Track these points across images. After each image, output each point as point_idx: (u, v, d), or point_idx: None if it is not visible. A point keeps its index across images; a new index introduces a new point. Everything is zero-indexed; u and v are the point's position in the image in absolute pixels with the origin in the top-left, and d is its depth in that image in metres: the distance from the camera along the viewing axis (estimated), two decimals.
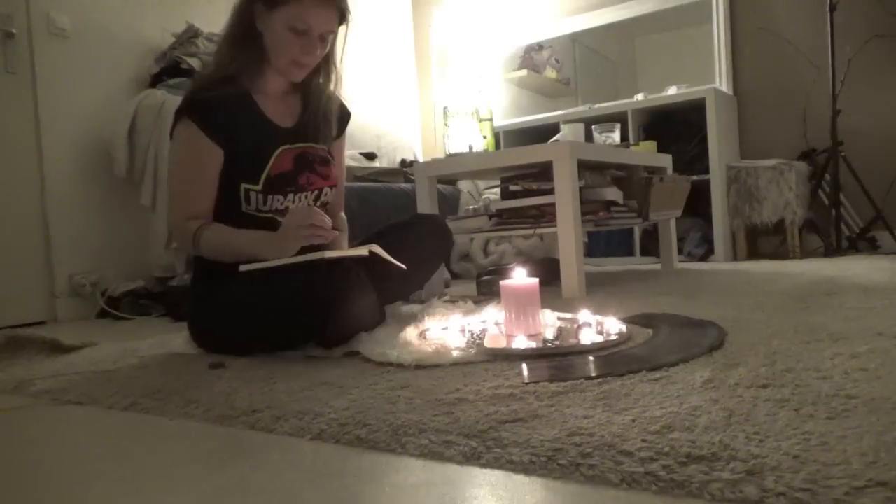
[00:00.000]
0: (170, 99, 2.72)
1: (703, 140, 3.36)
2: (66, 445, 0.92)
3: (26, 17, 2.61)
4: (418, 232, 1.68)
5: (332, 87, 1.61)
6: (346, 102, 1.70)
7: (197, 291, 1.53)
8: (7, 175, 2.53)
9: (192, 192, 1.46)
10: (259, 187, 1.47)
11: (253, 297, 1.38)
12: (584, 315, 1.38)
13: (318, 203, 1.57)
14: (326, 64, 1.58)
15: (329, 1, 1.45)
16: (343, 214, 1.71)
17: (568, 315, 1.45)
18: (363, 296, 1.34)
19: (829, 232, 3.18)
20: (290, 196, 1.50)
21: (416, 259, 1.59)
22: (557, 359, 1.13)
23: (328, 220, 1.38)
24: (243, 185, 1.46)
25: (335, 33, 1.53)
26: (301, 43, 1.46)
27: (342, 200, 1.73)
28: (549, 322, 1.39)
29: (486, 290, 2.36)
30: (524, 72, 4.37)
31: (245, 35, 1.48)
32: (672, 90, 3.57)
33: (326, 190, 1.58)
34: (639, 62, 4.12)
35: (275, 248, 1.37)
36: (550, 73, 4.39)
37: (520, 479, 0.66)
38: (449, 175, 2.74)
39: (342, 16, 1.50)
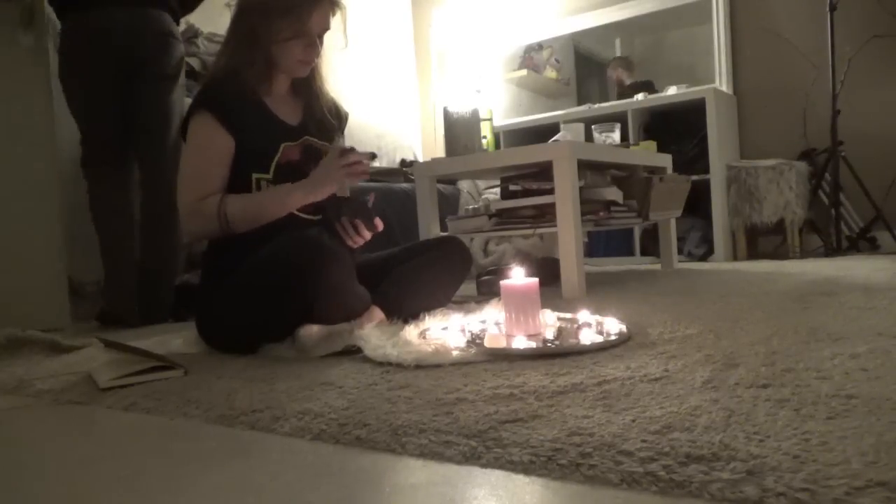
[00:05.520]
0: None
1: (703, 140, 3.36)
2: (66, 445, 0.92)
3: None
4: (447, 254, 1.73)
5: (323, 82, 1.67)
6: (341, 103, 1.75)
7: (206, 287, 1.55)
8: (23, 172, 2.49)
9: (207, 174, 1.51)
10: (269, 176, 1.53)
11: (244, 278, 1.41)
12: (584, 315, 1.39)
13: None
14: (316, 65, 1.64)
15: (322, 3, 1.51)
16: None
17: (568, 315, 1.45)
18: (337, 259, 1.36)
19: (829, 232, 3.19)
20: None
21: (443, 278, 1.70)
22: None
23: (364, 154, 1.51)
24: (254, 175, 1.52)
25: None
26: (303, 43, 1.53)
27: None
28: (549, 322, 1.39)
29: (486, 290, 2.36)
30: (524, 72, 4.38)
31: (246, 42, 1.53)
32: (672, 90, 3.57)
33: None
34: (639, 62, 4.12)
35: (313, 190, 1.49)
36: (550, 73, 4.39)
37: (520, 479, 0.66)
38: (449, 175, 2.74)
39: (334, 9, 1.56)
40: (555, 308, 1.53)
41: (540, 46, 4.41)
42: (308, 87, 1.66)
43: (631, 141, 3.40)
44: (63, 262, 2.54)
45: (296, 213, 1.54)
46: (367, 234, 1.55)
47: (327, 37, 1.60)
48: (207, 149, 1.52)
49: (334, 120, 1.70)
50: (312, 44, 1.54)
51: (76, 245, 2.70)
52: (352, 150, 1.50)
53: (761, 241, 3.51)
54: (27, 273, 2.46)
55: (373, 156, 1.49)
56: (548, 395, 0.90)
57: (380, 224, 1.56)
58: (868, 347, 1.05)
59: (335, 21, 1.58)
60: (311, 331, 1.34)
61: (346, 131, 1.79)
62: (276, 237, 1.40)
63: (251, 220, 1.49)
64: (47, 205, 2.54)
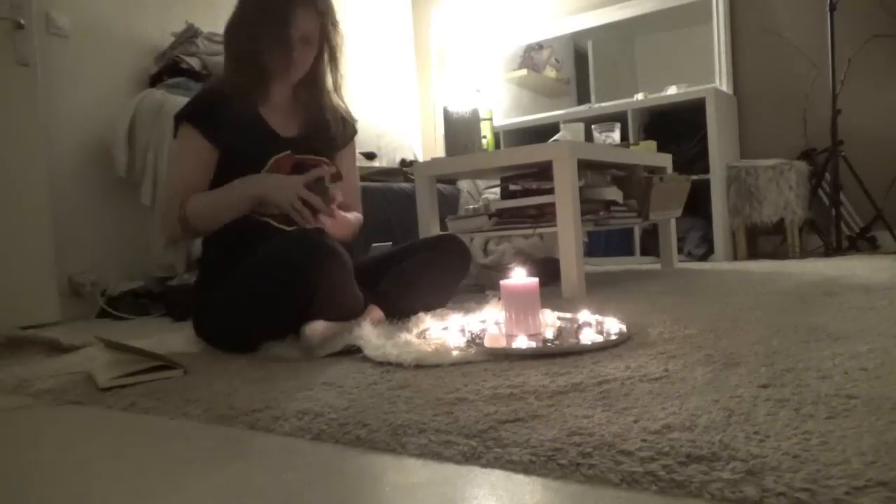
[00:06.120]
0: (169, 99, 2.72)
1: (703, 140, 3.35)
2: (66, 445, 0.92)
3: (27, 16, 2.61)
4: (445, 252, 1.72)
5: (326, 93, 1.64)
6: (349, 111, 1.72)
7: (201, 287, 1.55)
8: (15, 172, 2.49)
9: (180, 179, 1.53)
10: None
11: (243, 277, 1.41)
12: (584, 315, 1.39)
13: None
14: (315, 72, 1.61)
15: (298, 5, 1.50)
16: (359, 215, 1.74)
17: (568, 315, 1.45)
18: (336, 259, 1.36)
19: (829, 232, 3.19)
20: None
21: (442, 277, 1.69)
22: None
23: (324, 200, 1.46)
24: None
25: (322, 35, 1.57)
26: (288, 47, 1.51)
27: (354, 208, 1.74)
28: (549, 322, 1.39)
29: (486, 281, 2.36)
30: (524, 71, 4.37)
31: (238, 55, 1.55)
32: (672, 90, 3.57)
33: None
34: (639, 62, 4.12)
35: (265, 190, 1.47)
36: (550, 73, 4.39)
37: (520, 479, 0.66)
38: (449, 175, 2.74)
39: (323, 17, 1.55)
40: (555, 308, 1.53)
41: (540, 46, 4.41)
42: (310, 97, 1.63)
43: (631, 141, 3.40)
44: (52, 257, 2.55)
45: (270, 222, 1.52)
46: (325, 210, 1.48)
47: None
48: (185, 157, 1.54)
49: (340, 130, 1.67)
50: (296, 47, 1.52)
51: (74, 246, 2.71)
52: (321, 185, 1.48)
53: (761, 241, 3.51)
54: (19, 268, 2.47)
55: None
56: (548, 395, 0.90)
57: (336, 204, 1.50)
58: (868, 347, 1.05)
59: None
60: (317, 329, 1.34)
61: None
62: (275, 237, 1.40)
63: (208, 214, 1.49)
64: (38, 201, 2.54)
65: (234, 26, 1.55)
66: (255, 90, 1.56)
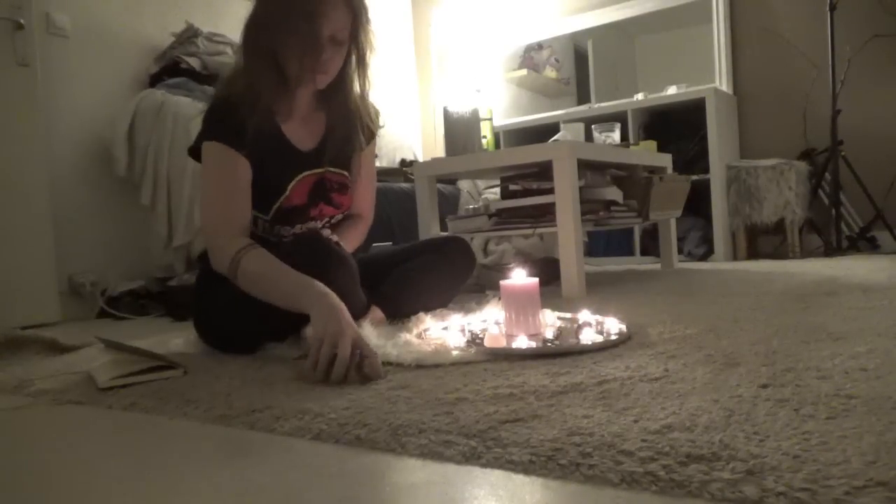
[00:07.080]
0: (169, 99, 2.72)
1: (703, 140, 3.36)
2: (66, 445, 0.92)
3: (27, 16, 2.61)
4: (449, 254, 1.70)
5: (355, 99, 1.53)
6: (377, 113, 1.64)
7: (201, 287, 1.54)
8: (16, 172, 2.49)
9: (232, 205, 1.39)
10: (268, 217, 1.48)
11: None
12: (584, 315, 1.39)
13: (328, 224, 1.58)
14: (342, 77, 1.47)
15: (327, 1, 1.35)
16: (362, 224, 1.69)
17: (568, 315, 1.45)
18: (342, 262, 1.35)
19: (829, 232, 3.19)
20: (298, 226, 1.52)
21: (446, 279, 1.68)
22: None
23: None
24: (253, 212, 1.46)
25: (351, 36, 1.42)
26: (316, 50, 1.35)
27: (368, 204, 1.71)
28: (549, 322, 1.39)
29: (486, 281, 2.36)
30: (524, 71, 4.38)
31: (258, 60, 1.39)
32: (672, 90, 3.57)
33: (338, 217, 1.60)
34: (639, 62, 4.12)
35: (320, 318, 1.16)
36: (550, 73, 4.39)
37: (520, 479, 0.66)
38: (449, 175, 2.74)
39: (356, 14, 1.40)
40: (555, 308, 1.53)
41: (540, 46, 4.41)
42: (335, 105, 1.51)
43: (631, 141, 3.40)
44: (52, 257, 2.56)
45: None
46: (343, 374, 1.08)
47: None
48: (229, 178, 1.39)
49: (364, 132, 1.59)
50: (326, 49, 1.36)
51: (74, 246, 2.71)
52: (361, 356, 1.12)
53: (761, 241, 3.51)
54: (19, 268, 2.47)
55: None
56: (548, 395, 0.90)
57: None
58: (868, 347, 1.05)
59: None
60: None
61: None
62: (284, 242, 1.39)
63: (255, 289, 1.31)
64: (38, 201, 2.55)
65: (254, 24, 1.38)
66: (275, 99, 1.41)
